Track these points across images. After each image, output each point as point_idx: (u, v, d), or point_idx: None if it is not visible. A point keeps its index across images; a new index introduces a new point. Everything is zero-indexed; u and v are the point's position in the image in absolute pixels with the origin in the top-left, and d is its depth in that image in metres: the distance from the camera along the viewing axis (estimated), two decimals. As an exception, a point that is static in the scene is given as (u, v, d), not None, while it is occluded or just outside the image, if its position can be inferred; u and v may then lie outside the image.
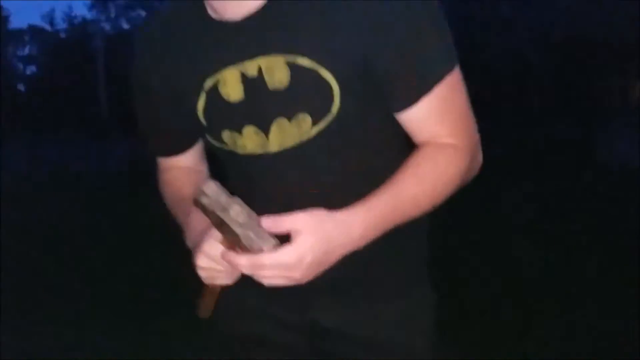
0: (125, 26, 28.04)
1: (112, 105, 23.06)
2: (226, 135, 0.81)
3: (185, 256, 0.85)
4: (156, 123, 0.91)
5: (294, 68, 0.75)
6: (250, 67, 0.76)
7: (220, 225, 0.73)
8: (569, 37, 17.49)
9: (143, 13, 27.39)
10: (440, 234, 0.80)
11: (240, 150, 0.82)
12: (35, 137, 18.36)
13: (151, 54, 0.85)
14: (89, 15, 28.97)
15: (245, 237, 0.70)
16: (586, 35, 17.13)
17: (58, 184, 9.40)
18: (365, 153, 0.82)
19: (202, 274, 0.77)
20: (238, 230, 0.70)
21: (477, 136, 0.82)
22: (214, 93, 0.79)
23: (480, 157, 0.83)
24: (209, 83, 0.79)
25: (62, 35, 29.88)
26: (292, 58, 0.74)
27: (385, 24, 0.73)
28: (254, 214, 0.71)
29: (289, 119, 0.77)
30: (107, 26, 27.92)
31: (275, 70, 0.75)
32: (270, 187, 0.82)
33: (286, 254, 0.68)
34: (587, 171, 9.80)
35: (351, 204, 0.74)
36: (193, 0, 0.79)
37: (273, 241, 0.70)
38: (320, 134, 0.78)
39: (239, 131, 0.80)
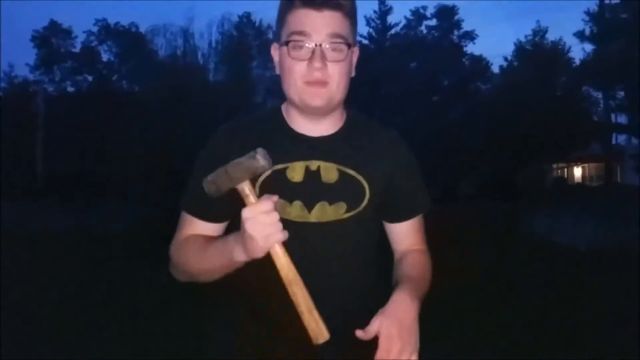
0: (70, 89, 27.53)
1: (48, 167, 22.40)
2: (278, 203, 1.03)
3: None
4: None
5: (342, 173, 1.13)
6: (313, 165, 1.13)
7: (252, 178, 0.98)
8: (498, 125, 19.10)
9: (90, 78, 27.18)
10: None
11: (285, 216, 1.08)
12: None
13: (229, 142, 1.14)
14: (31, 76, 28.01)
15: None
16: (512, 125, 18.79)
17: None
18: (367, 238, 1.20)
19: (253, 230, 0.93)
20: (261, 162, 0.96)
21: None
22: (281, 173, 1.11)
23: None
24: (280, 166, 1.11)
25: None
26: (342, 167, 1.14)
27: (402, 167, 1.20)
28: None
29: (330, 203, 1.13)
30: (50, 87, 27.35)
31: (329, 171, 1.13)
32: (300, 247, 1.08)
33: (383, 342, 0.97)
34: (509, 242, 10.64)
35: (352, 267, 1.15)
36: (275, 114, 1.18)
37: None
38: (348, 219, 1.13)
39: (290, 202, 1.12)
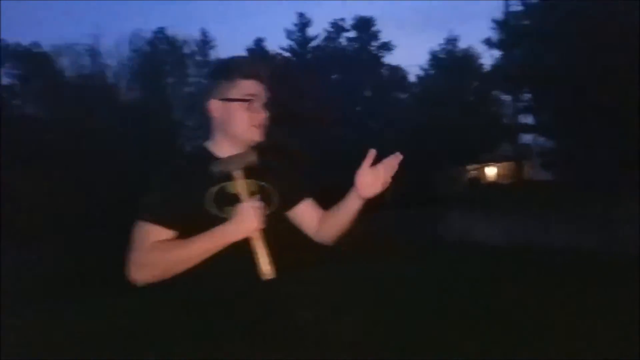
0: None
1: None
2: (226, 209, 1.53)
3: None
4: (172, 206, 1.50)
5: (261, 186, 1.63)
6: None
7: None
8: (416, 133, 19.63)
9: None
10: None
11: (229, 216, 1.54)
12: None
13: (175, 173, 1.57)
14: None
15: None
16: (429, 131, 19.34)
17: None
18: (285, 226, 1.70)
19: (255, 216, 1.48)
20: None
21: None
22: (224, 188, 1.57)
23: None
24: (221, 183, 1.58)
25: None
26: (260, 182, 1.64)
27: (292, 177, 1.76)
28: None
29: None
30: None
31: (251, 185, 1.61)
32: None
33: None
34: (435, 246, 10.81)
35: None
36: (203, 149, 1.66)
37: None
38: (271, 213, 1.60)
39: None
